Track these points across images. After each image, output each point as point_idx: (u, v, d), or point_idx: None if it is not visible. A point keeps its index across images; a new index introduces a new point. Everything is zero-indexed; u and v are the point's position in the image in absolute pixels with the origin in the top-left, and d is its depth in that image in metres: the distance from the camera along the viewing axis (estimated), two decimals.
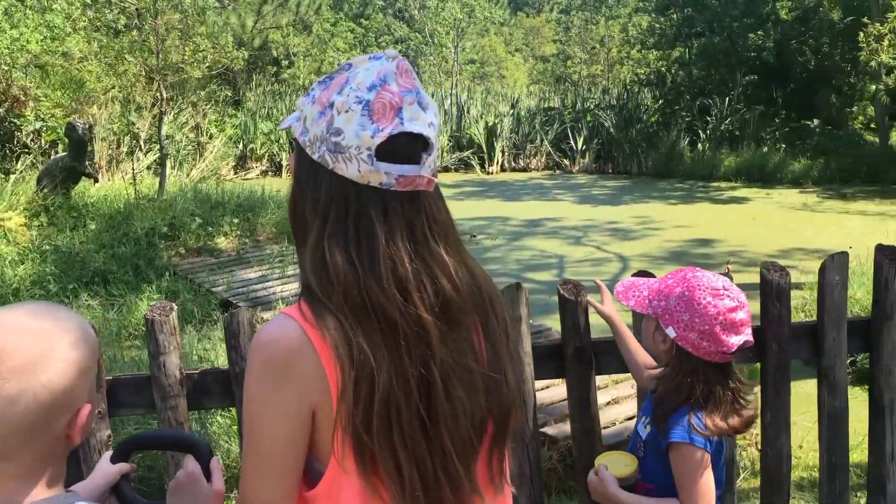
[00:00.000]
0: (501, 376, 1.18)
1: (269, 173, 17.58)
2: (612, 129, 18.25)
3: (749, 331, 1.72)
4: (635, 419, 2.09)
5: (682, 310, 1.72)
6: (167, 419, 2.05)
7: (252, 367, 1.08)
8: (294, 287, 7.41)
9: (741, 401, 1.74)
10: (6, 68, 13.12)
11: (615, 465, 1.84)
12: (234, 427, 3.85)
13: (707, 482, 1.70)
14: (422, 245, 1.10)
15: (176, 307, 2.10)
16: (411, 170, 1.08)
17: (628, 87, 21.59)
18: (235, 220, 9.39)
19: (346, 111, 1.06)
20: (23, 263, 7.68)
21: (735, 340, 1.69)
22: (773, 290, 2.26)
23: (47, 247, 8.04)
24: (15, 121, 13.31)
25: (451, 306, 1.11)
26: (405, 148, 1.07)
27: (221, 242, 9.00)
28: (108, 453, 1.39)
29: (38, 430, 0.98)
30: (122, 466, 1.36)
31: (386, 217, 1.08)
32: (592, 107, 20.10)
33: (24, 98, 13.55)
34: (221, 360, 5.03)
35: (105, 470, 1.36)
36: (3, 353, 0.96)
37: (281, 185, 12.52)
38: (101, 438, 2.04)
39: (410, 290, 1.07)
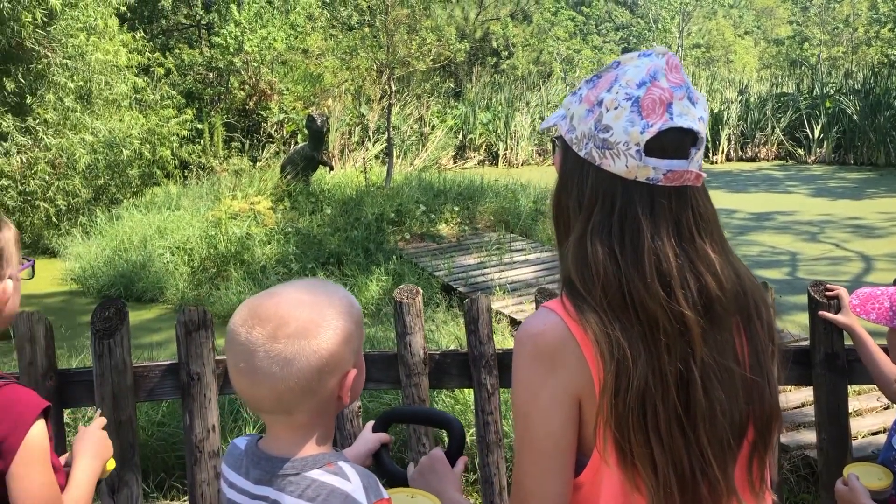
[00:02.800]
0: (764, 381, 1.14)
1: (486, 163, 17.95)
2: (855, 117, 16.67)
3: None
4: (886, 432, 1.94)
5: None
6: (410, 395, 2.18)
7: (520, 359, 1.12)
8: (512, 274, 7.54)
9: None
10: (255, 65, 14.47)
11: (867, 477, 1.73)
12: (457, 407, 4.00)
13: None
14: (687, 241, 1.09)
15: (421, 291, 2.22)
16: (679, 165, 1.08)
17: (876, 69, 19.61)
18: (456, 208, 9.70)
19: (616, 108, 1.07)
20: (269, 243, 8.45)
21: None
22: None
23: (289, 229, 8.78)
24: (262, 113, 14.64)
25: (715, 305, 1.09)
26: (674, 143, 1.07)
27: (443, 229, 9.35)
28: (370, 423, 1.50)
29: (311, 389, 1.09)
30: (382, 436, 1.48)
31: (652, 212, 1.08)
32: (832, 92, 18.48)
33: (269, 92, 14.87)
34: (445, 342, 5.24)
35: (367, 437, 1.48)
36: (282, 321, 1.08)
37: (498, 175, 12.76)
38: (352, 409, 2.21)
39: (674, 286, 1.06)
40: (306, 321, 1.08)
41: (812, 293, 2.12)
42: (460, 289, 7.18)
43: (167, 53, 14.17)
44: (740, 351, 1.13)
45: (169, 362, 2.17)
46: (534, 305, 6.43)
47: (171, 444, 4.10)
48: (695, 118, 1.08)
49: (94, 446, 1.54)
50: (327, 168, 10.85)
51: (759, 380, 1.13)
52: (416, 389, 2.17)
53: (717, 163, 17.77)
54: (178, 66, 14.20)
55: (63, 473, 1.46)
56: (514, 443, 1.13)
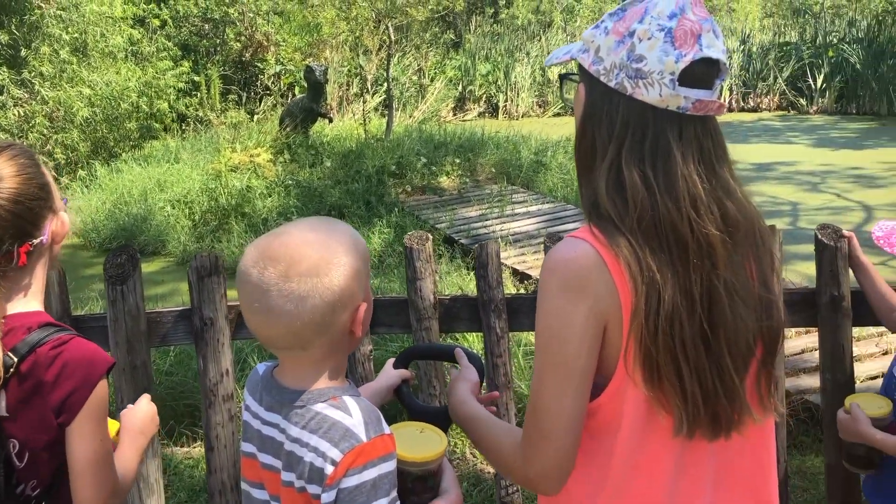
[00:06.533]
0: (773, 298, 1.20)
1: (486, 115, 17.80)
2: (858, 66, 16.49)
3: None
4: (881, 377, 1.98)
5: None
6: (421, 339, 2.21)
7: (548, 285, 1.15)
8: (514, 226, 7.56)
9: None
10: (251, 15, 14.25)
11: (868, 406, 1.80)
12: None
13: None
14: (710, 169, 1.15)
15: (431, 237, 2.24)
16: (706, 94, 1.14)
17: (880, 17, 19.35)
18: (457, 161, 9.65)
19: (649, 38, 1.12)
20: (270, 196, 8.44)
21: None
22: None
23: (290, 182, 8.76)
24: (258, 65, 14.47)
25: (734, 229, 1.15)
26: (703, 73, 1.13)
27: (444, 181, 9.32)
28: (391, 360, 1.54)
29: (325, 324, 1.13)
30: (403, 372, 1.53)
31: (681, 140, 1.13)
32: (836, 41, 18.26)
33: (266, 43, 14.67)
34: (448, 293, 5.26)
35: (388, 374, 1.52)
36: (293, 260, 1.11)
37: (499, 126, 12.66)
38: (364, 352, 2.24)
39: (701, 210, 1.12)
40: (317, 259, 1.11)
41: (819, 236, 2.14)
42: (462, 241, 7.20)
43: (162, 5, 13.95)
44: (751, 275, 1.19)
45: (181, 308, 2.19)
46: (538, 255, 6.47)
47: (178, 392, 4.15)
48: (720, 50, 1.13)
49: (141, 422, 1.55)
50: (326, 120, 10.77)
51: (770, 296, 1.19)
52: (427, 333, 2.20)
53: None
54: (173, 17, 13.99)
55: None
56: (535, 363, 1.17)
